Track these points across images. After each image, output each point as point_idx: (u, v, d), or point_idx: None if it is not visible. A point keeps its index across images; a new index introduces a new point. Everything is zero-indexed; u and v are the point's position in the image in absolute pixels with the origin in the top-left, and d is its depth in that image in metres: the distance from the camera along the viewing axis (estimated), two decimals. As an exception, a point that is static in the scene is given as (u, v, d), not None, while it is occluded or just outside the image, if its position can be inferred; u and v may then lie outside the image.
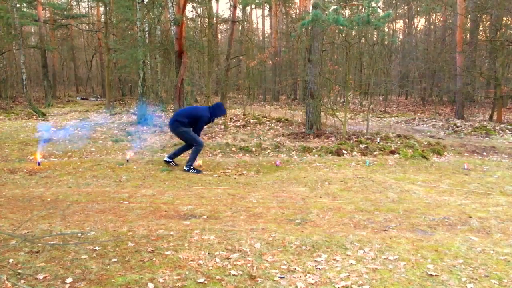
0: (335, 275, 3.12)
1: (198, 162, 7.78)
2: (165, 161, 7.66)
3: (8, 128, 12.55)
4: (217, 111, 7.62)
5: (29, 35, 29.37)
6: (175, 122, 7.39)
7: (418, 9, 26.10)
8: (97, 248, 3.54)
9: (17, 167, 7.57)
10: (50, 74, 24.44)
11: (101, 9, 25.51)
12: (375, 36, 21.68)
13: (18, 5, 20.39)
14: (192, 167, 7.34)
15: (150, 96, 18.86)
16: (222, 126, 12.02)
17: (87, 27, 29.38)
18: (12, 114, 16.60)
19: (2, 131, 11.85)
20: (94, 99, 25.16)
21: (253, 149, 9.04)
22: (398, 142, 9.55)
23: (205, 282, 2.98)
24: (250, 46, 25.78)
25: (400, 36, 27.20)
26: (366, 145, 9.13)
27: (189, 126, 7.38)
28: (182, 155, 7.88)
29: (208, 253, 3.48)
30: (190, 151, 7.60)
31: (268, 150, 9.02)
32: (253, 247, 3.63)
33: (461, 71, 15.12)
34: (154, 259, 3.35)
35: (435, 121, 14.54)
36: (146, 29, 15.17)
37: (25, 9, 24.53)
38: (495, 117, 14.28)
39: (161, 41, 18.23)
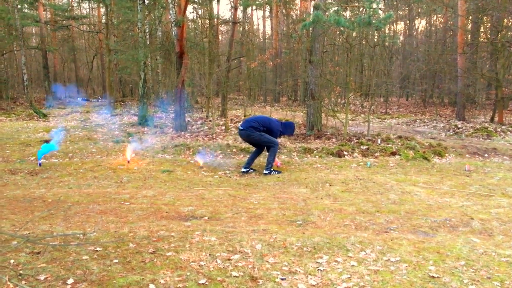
0: (336, 277, 3.11)
1: (198, 162, 7.79)
2: (242, 172, 7.45)
3: (9, 129, 12.56)
4: (288, 129, 7.79)
5: (30, 36, 29.43)
6: (249, 128, 7.29)
7: (419, 10, 26.11)
8: (98, 249, 3.54)
9: (18, 167, 7.58)
10: (51, 75, 24.46)
11: (102, 10, 25.52)
12: (376, 37, 21.67)
13: (19, 6, 20.41)
14: (272, 169, 7.32)
15: (151, 97, 18.89)
16: (223, 127, 12.02)
17: (88, 28, 29.41)
18: (13, 115, 16.62)
19: (3, 132, 11.86)
20: (95, 100, 25.18)
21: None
22: (399, 143, 9.54)
23: (206, 283, 2.98)
24: (251, 47, 25.82)
25: (401, 38, 27.19)
26: (367, 147, 9.12)
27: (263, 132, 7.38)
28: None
29: (209, 254, 3.48)
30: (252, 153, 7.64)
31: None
32: (254, 248, 3.62)
33: (462, 73, 15.11)
34: (155, 260, 3.35)
35: (436, 123, 14.53)
36: (147, 30, 15.19)
37: (26, 10, 24.59)
38: (496, 119, 14.26)
39: (162, 42, 18.27)
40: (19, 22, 17.44)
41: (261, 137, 7.30)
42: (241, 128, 7.43)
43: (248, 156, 7.92)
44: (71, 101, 23.78)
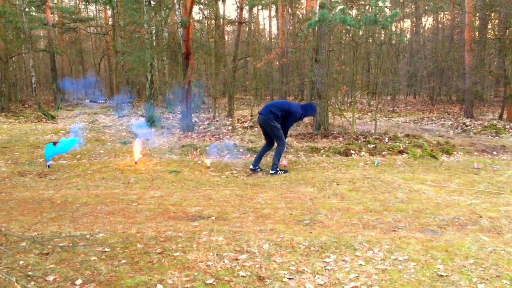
0: (344, 276, 3.10)
1: (205, 162, 7.81)
2: (251, 169, 7.52)
3: (18, 131, 12.67)
4: (309, 110, 7.69)
5: (38, 39, 29.64)
6: (268, 113, 7.26)
7: (426, 7, 25.93)
8: (106, 249, 3.56)
9: (27, 169, 7.64)
10: (59, 77, 24.63)
11: (109, 12, 25.67)
12: (383, 35, 21.57)
13: (27, 9, 20.60)
14: (278, 169, 7.32)
15: (157, 98, 18.95)
16: (230, 127, 12.04)
17: (95, 30, 29.60)
18: (22, 117, 16.76)
19: (12, 134, 11.97)
20: (102, 101, 25.33)
21: (261, 150, 9.03)
22: (407, 141, 9.48)
23: (213, 283, 2.99)
24: (257, 47, 25.81)
25: (408, 35, 27.04)
26: (374, 145, 9.08)
27: (280, 121, 7.33)
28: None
29: (217, 254, 3.48)
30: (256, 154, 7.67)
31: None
32: (262, 248, 3.62)
33: (469, 70, 15.00)
34: (162, 260, 3.36)
35: (444, 120, 14.43)
36: (154, 32, 15.23)
37: (34, 13, 24.79)
38: (505, 116, 14.13)
39: (168, 43, 18.32)
40: (27, 25, 17.58)
41: (275, 129, 7.28)
42: (260, 113, 7.46)
43: (256, 154, 7.93)
44: (79, 103, 23.96)
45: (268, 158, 7.95)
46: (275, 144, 7.50)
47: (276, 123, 7.24)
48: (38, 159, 8.51)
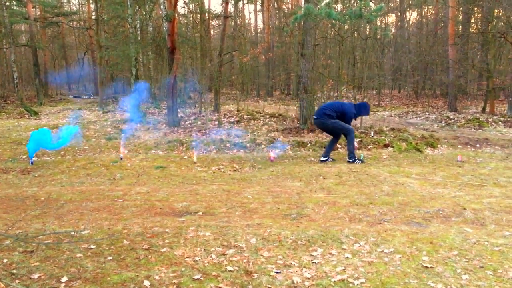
0: (331, 269, 3.12)
1: (192, 157, 7.77)
2: (321, 161, 7.62)
3: (0, 128, 12.45)
4: (363, 110, 7.77)
5: (19, 34, 29.08)
6: (323, 116, 7.37)
7: (410, 2, 26.13)
8: (92, 246, 3.53)
9: (10, 166, 7.52)
10: (42, 73, 24.23)
11: (92, 6, 25.29)
12: (368, 30, 21.68)
13: (7, 3, 20.18)
14: (356, 158, 7.40)
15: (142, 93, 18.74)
16: (216, 122, 12.00)
17: (78, 24, 29.14)
18: (3, 113, 16.46)
19: (-6, 131, 11.75)
20: (87, 97, 25.01)
21: (248, 145, 9.03)
22: (392, 135, 9.58)
23: (201, 278, 2.98)
24: (243, 42, 25.72)
25: (393, 30, 27.22)
26: (360, 139, 9.14)
27: (337, 119, 7.42)
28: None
29: (204, 250, 3.47)
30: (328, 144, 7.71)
31: (263, 146, 9.02)
32: (249, 242, 3.63)
33: (453, 64, 15.17)
34: (149, 256, 3.34)
35: (428, 114, 14.59)
36: (138, 26, 15.08)
37: (15, 7, 24.26)
38: (487, 109, 14.35)
39: (153, 38, 18.11)
40: (8, 19, 17.25)
41: (335, 124, 7.41)
42: (315, 117, 7.60)
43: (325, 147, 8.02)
44: (62, 99, 23.61)
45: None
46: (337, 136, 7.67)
47: (333, 120, 7.37)
48: (21, 156, 8.38)
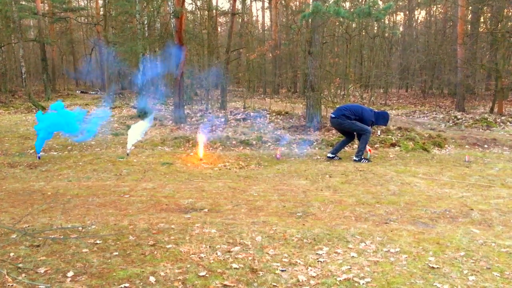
0: (336, 268, 3.11)
1: (198, 154, 7.78)
2: (328, 157, 7.64)
3: (7, 122, 12.53)
4: (381, 119, 7.67)
5: (28, 29, 29.23)
6: (341, 116, 7.36)
7: (419, 1, 25.94)
8: (98, 241, 3.54)
9: (17, 161, 7.57)
10: (50, 68, 24.35)
11: (100, 2, 25.37)
12: (376, 28, 21.57)
13: (16, -2, 20.27)
14: (363, 157, 7.40)
15: (149, 90, 18.78)
16: (223, 119, 12.00)
17: (86, 20, 29.22)
18: (11, 108, 16.57)
19: (2, 125, 11.84)
20: (94, 93, 25.10)
21: (254, 142, 9.03)
22: (399, 134, 9.52)
23: (206, 275, 2.98)
24: (250, 39, 25.64)
25: (401, 28, 27.06)
26: (366, 138, 9.09)
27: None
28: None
29: (209, 247, 3.47)
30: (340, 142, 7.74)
31: (269, 143, 9.00)
32: (254, 240, 3.62)
33: (461, 63, 15.06)
34: (155, 252, 3.35)
35: (436, 114, 14.50)
36: (146, 22, 15.06)
37: (23, 2, 24.39)
38: (496, 110, 14.23)
39: (160, 34, 18.12)
40: (17, 14, 17.34)
41: (353, 125, 7.39)
42: (332, 116, 7.54)
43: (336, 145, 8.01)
44: (69, 94, 23.72)
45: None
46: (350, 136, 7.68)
47: (351, 121, 7.34)
48: (28, 150, 8.43)
